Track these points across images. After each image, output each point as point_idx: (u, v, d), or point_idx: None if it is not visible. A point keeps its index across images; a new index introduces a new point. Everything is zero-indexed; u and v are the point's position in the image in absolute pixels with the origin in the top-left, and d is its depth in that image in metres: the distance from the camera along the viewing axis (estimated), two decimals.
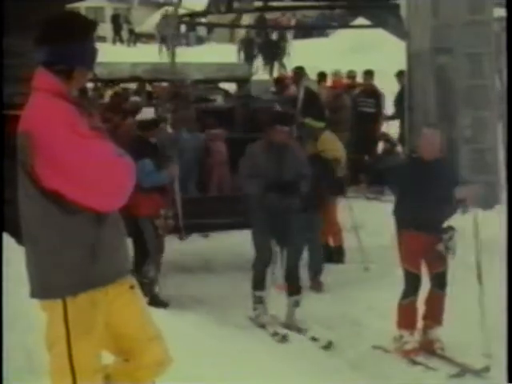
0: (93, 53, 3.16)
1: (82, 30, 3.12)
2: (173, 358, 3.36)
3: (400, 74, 12.95)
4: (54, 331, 3.11)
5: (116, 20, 35.33)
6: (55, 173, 2.97)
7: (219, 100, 12.67)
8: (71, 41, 3.06)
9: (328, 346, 6.42)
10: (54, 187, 2.99)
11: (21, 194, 3.09)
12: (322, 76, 15.01)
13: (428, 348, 6.20)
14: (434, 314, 6.20)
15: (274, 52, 25.36)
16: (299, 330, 6.81)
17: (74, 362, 3.07)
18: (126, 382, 3.33)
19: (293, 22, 30.25)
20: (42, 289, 3.11)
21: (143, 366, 3.29)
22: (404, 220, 6.10)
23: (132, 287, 3.26)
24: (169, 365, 3.36)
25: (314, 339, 6.57)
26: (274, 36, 26.64)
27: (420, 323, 6.28)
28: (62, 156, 2.95)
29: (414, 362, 6.02)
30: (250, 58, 24.70)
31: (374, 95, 13.41)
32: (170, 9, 32.77)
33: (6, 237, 5.15)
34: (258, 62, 24.96)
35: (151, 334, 3.31)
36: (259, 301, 7.07)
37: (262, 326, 6.91)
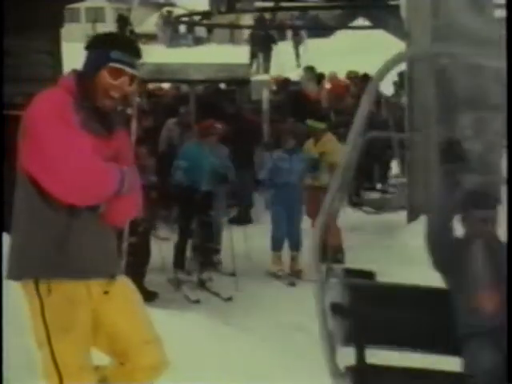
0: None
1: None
2: (170, 361, 3.36)
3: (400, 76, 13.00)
4: (38, 331, 3.16)
5: (122, 21, 35.27)
6: (32, 154, 3.04)
7: None
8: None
9: None
10: (28, 169, 3.07)
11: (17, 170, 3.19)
12: (321, 77, 15.05)
13: None
14: None
15: (270, 49, 25.40)
16: None
17: (57, 360, 3.11)
18: (124, 383, 3.34)
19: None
20: (13, 269, 3.18)
21: (139, 369, 3.31)
22: None
23: (106, 293, 3.24)
24: (165, 368, 3.36)
25: None
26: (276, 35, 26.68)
27: None
28: (39, 137, 3.01)
29: None
30: (253, 56, 24.74)
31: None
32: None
33: (6, 236, 5.15)
34: (259, 59, 24.97)
35: (148, 336, 3.31)
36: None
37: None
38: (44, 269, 3.10)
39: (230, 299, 7.74)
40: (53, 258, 3.09)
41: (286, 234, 8.65)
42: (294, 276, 8.53)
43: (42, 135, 3.00)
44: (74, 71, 3.23)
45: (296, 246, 8.68)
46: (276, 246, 8.70)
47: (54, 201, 3.05)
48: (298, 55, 26.36)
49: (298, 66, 24.45)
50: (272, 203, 8.74)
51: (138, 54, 3.22)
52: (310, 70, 16.35)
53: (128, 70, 3.17)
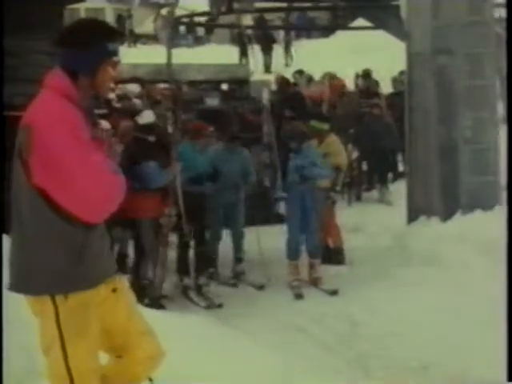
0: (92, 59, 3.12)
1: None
2: (166, 353, 3.38)
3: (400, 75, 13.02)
4: (48, 335, 3.11)
5: (121, 21, 35.31)
6: (47, 172, 2.97)
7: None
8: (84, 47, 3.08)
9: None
10: (41, 186, 2.99)
11: (13, 180, 3.09)
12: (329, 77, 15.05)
13: None
14: None
15: (271, 49, 25.47)
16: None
17: (70, 365, 3.08)
18: (123, 380, 3.34)
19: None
20: (25, 283, 3.10)
21: (137, 361, 3.31)
22: None
23: (114, 290, 3.25)
24: (162, 358, 3.37)
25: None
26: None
27: None
28: (57, 157, 2.95)
29: None
30: (244, 51, 24.67)
31: (375, 96, 13.47)
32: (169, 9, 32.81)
33: (6, 237, 5.14)
34: (255, 52, 24.89)
35: (142, 328, 3.33)
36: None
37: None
38: (63, 284, 3.06)
39: (220, 306, 7.56)
40: (72, 272, 3.06)
41: (302, 240, 8.05)
42: (312, 284, 8.08)
43: (60, 154, 2.94)
44: (62, 70, 3.11)
45: (314, 251, 8.15)
46: (292, 253, 8.06)
47: (71, 217, 3.01)
48: (289, 55, 26.51)
49: (288, 65, 24.59)
50: (286, 206, 8.22)
51: (121, 36, 3.20)
52: (299, 73, 16.40)
53: (120, 57, 3.17)
